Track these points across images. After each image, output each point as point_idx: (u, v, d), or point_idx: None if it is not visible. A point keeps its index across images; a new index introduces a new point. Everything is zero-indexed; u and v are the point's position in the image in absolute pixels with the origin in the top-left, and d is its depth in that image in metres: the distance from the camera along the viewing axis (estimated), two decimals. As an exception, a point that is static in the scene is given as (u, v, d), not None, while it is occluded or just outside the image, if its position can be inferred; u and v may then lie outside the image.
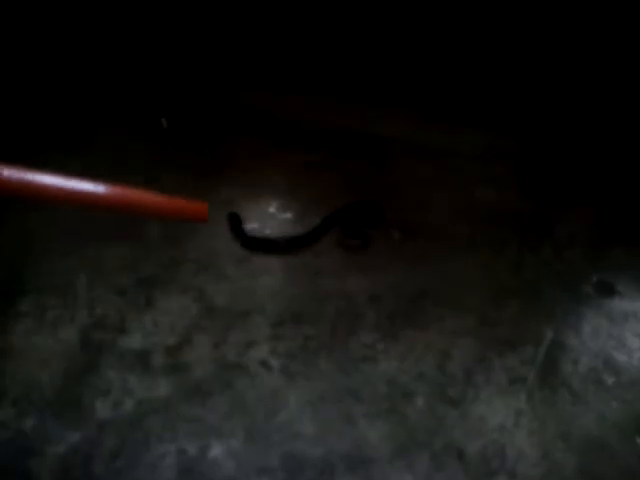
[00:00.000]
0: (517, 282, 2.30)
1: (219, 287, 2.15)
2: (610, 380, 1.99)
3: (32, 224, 2.26)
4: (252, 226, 2.40)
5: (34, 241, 2.23)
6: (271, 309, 2.10)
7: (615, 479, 1.76)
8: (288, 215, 2.48)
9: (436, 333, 2.08)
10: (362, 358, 1.98)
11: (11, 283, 2.08)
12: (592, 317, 2.20)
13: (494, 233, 2.48)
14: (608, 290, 2.30)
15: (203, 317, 2.04)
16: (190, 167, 2.62)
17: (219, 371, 1.89)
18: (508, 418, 1.85)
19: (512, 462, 1.75)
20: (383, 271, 2.28)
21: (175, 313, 2.05)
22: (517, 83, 3.14)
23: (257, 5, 3.19)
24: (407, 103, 3.13)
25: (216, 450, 1.71)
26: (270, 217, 2.47)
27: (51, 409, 1.76)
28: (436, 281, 2.26)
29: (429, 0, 3.09)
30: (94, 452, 1.69)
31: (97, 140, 2.72)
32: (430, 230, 2.47)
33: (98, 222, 2.23)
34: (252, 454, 1.71)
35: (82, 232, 2.24)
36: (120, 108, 2.94)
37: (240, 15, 3.22)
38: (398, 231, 2.46)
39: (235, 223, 2.34)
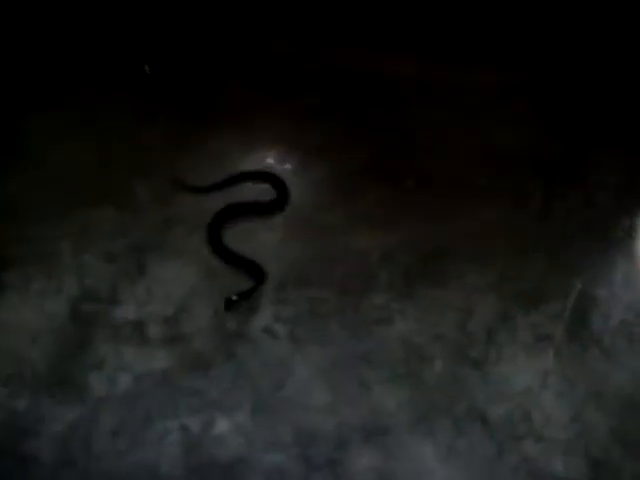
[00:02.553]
0: (542, 232, 2.30)
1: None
2: (644, 334, 2.02)
3: (12, 188, 2.29)
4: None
5: (14, 206, 2.25)
6: (274, 271, 2.11)
7: (652, 441, 1.79)
8: (288, 166, 2.49)
9: (455, 291, 2.10)
10: (375, 320, 2.01)
11: (-10, 253, 2.12)
12: (624, 265, 2.21)
13: (516, 179, 2.47)
14: (642, 235, 2.31)
15: (200, 283, 2.07)
16: (177, 118, 2.61)
17: (220, 340, 1.93)
18: (534, 379, 1.89)
19: (539, 426, 1.79)
20: (396, 225, 2.29)
21: (170, 280, 2.08)
22: (532, 8, 3.08)
23: None
24: (416, 40, 3.08)
25: (221, 425, 1.76)
26: (268, 168, 2.47)
27: (44, 387, 1.80)
28: (454, 235, 2.27)
29: None
30: (92, 431, 1.74)
31: (67, 91, 2.70)
32: (446, 178, 2.47)
33: (82, 184, 2.25)
34: (260, 429, 1.76)
35: (65, 196, 2.26)
36: (95, 52, 2.90)
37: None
38: (411, 180, 2.46)
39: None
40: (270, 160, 2.50)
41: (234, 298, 2.01)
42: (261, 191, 2.39)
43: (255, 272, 2.10)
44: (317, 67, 2.85)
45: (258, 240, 2.22)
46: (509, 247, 2.25)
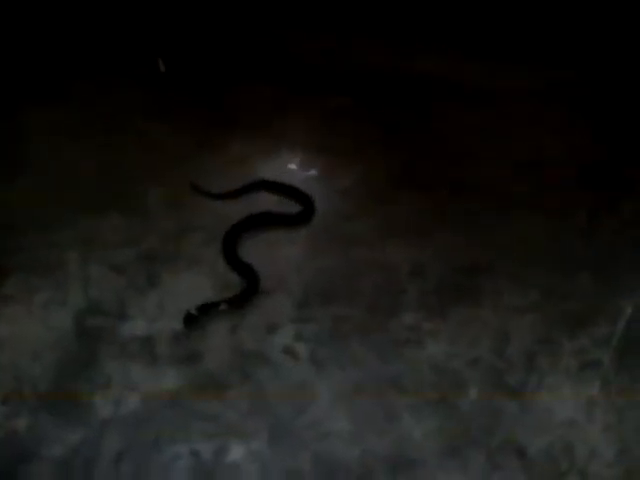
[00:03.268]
0: (589, 248, 2.29)
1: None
2: (701, 363, 1.99)
3: (12, 195, 2.33)
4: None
5: (15, 214, 2.29)
6: (295, 286, 2.14)
7: None
8: (313, 172, 2.52)
9: (492, 310, 2.10)
10: (405, 341, 2.01)
11: (-7, 261, 2.15)
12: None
13: (560, 189, 2.47)
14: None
15: (215, 297, 2.08)
16: (193, 119, 2.66)
17: (237, 360, 1.94)
18: (578, 410, 1.86)
19: (583, 461, 1.76)
20: (428, 237, 2.30)
21: (183, 293, 2.09)
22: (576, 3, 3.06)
23: None
24: (451, 38, 3.09)
25: (236, 452, 1.75)
26: (291, 175, 2.50)
27: (46, 407, 1.81)
28: (491, 248, 2.27)
29: None
30: (96, 455, 1.73)
31: (78, 88, 2.74)
32: (483, 187, 2.48)
33: (91, 189, 2.28)
34: (278, 457, 1.75)
35: (73, 201, 2.30)
36: (108, 47, 2.94)
37: None
38: (446, 188, 2.47)
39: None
40: (293, 165, 2.53)
41: (194, 312, 2.01)
42: (283, 199, 2.42)
43: (248, 284, 2.12)
44: (347, 66, 2.87)
45: (279, 253, 2.25)
46: (552, 263, 2.24)
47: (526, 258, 2.25)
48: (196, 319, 2.01)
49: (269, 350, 1.97)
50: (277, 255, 2.24)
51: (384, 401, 1.87)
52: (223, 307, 2.05)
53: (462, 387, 1.91)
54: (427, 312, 2.08)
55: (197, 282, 2.14)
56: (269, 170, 2.49)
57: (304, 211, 2.38)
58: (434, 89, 2.85)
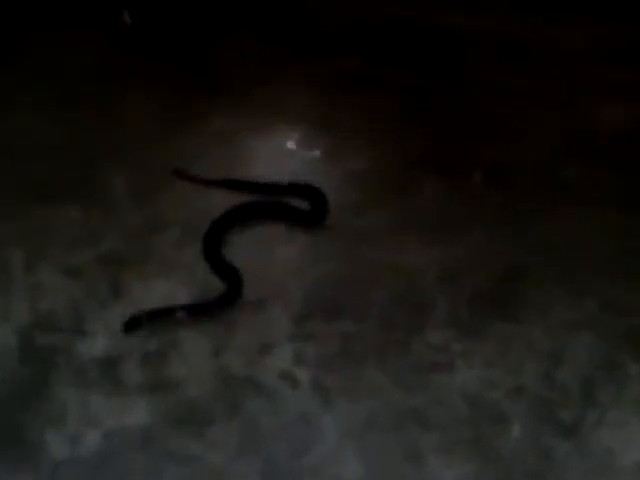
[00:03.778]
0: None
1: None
2: None
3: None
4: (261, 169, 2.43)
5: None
6: (294, 295, 2.13)
7: None
8: (316, 153, 2.52)
9: (540, 326, 2.08)
10: (430, 365, 1.99)
11: None
12: None
13: (625, 175, 2.46)
14: None
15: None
16: (166, 84, 2.66)
17: (222, 388, 1.91)
18: (648, 451, 1.87)
19: (653, 516, 1.77)
20: (458, 235, 2.29)
21: (154, 304, 2.07)
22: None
23: None
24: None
25: (222, 503, 1.75)
26: (289, 156, 2.50)
27: (-16, 446, 1.82)
28: (537, 249, 2.26)
29: None
30: (47, 506, 1.74)
31: (23, 47, 2.73)
32: (527, 172, 2.47)
33: (40, 174, 2.27)
34: (273, 509, 1.75)
35: (16, 188, 2.29)
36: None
37: None
38: (480, 173, 2.47)
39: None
40: (292, 144, 2.52)
41: (140, 316, 2.02)
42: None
43: (229, 287, 2.12)
44: (358, 18, 2.84)
45: (274, 254, 2.24)
46: (614, 266, 2.24)
47: (581, 261, 2.24)
48: (140, 326, 2.01)
49: (262, 375, 1.95)
50: (272, 257, 2.23)
51: (405, 440, 1.85)
52: (181, 315, 2.04)
53: (502, 423, 1.88)
54: (458, 329, 2.07)
55: (171, 290, 2.12)
56: (261, 149, 2.49)
57: (315, 209, 2.38)
58: (466, 47, 2.83)
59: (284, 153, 2.52)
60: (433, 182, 2.42)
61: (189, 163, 2.42)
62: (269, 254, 2.24)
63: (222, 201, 2.34)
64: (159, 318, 2.04)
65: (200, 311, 2.07)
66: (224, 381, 1.94)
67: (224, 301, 2.10)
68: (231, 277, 2.14)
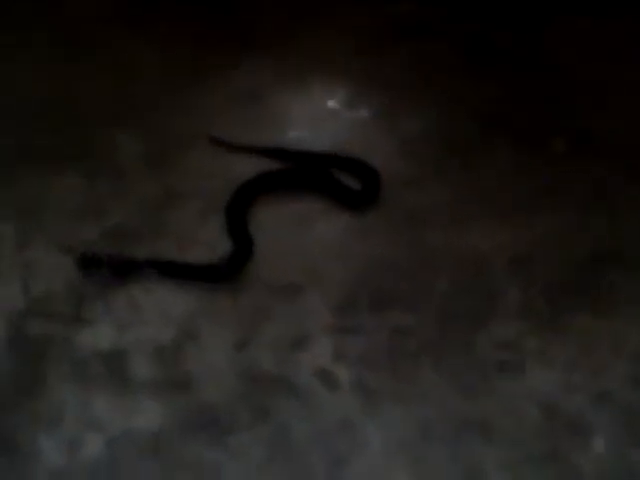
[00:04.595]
0: None
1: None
2: None
3: None
4: (297, 133, 2.45)
5: None
6: (335, 281, 2.14)
7: None
8: (362, 113, 2.52)
9: (628, 320, 2.08)
10: (497, 365, 1.99)
11: None
12: None
13: None
14: None
15: (216, 295, 2.10)
16: (183, 28, 2.70)
17: (247, 388, 1.93)
18: None
19: None
20: (533, 215, 2.30)
21: (168, 289, 2.10)
22: None
23: None
24: None
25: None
26: (329, 116, 2.52)
27: (-30, 450, 1.82)
28: (627, 230, 2.26)
29: None
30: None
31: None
32: (615, 140, 2.47)
33: (37, 134, 2.32)
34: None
35: (14, 153, 2.34)
36: None
37: None
38: (561, 139, 2.47)
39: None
40: (334, 103, 2.54)
41: (99, 256, 2.06)
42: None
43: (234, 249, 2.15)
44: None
45: (312, 233, 2.25)
46: None
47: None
48: (96, 263, 2.06)
49: (295, 374, 1.96)
50: (309, 236, 2.24)
51: (464, 453, 1.85)
52: (150, 272, 2.08)
53: (582, 435, 1.88)
54: (531, 323, 2.07)
55: None
56: (297, 109, 2.51)
57: (365, 189, 2.39)
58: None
59: (324, 112, 2.53)
60: (504, 150, 2.42)
61: (211, 124, 2.44)
62: (306, 233, 2.25)
63: (251, 169, 2.35)
64: (121, 268, 2.08)
65: (176, 273, 2.10)
66: (250, 380, 1.95)
67: (217, 269, 2.12)
68: (239, 242, 2.16)
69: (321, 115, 2.53)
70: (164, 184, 2.33)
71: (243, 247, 2.14)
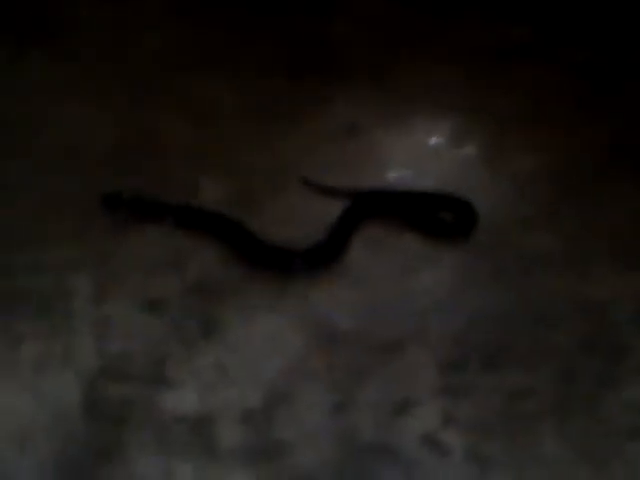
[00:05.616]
0: None
1: (339, 293, 2.15)
2: None
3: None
4: (398, 173, 2.40)
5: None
6: (441, 336, 2.08)
7: None
8: (469, 149, 2.49)
9: None
10: (628, 431, 1.90)
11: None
12: None
13: None
14: None
15: (312, 351, 2.05)
16: (266, 62, 2.72)
17: (345, 456, 1.85)
18: None
19: None
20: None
21: (259, 345, 2.06)
22: None
23: None
24: None
25: None
26: (433, 153, 2.49)
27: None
28: None
29: None
30: None
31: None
32: None
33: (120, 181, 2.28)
34: None
35: (87, 201, 2.30)
36: None
37: None
38: None
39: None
40: (437, 139, 2.50)
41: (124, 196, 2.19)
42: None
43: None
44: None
45: (414, 279, 2.19)
46: None
47: None
48: (118, 202, 2.20)
49: (400, 441, 1.88)
50: (410, 283, 2.19)
51: None
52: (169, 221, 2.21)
53: None
54: (667, 382, 1.97)
55: (279, 328, 2.09)
56: (397, 146, 2.47)
57: (461, 222, 2.36)
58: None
59: (428, 151, 2.49)
60: (629, 188, 2.37)
61: (302, 164, 2.42)
62: (406, 279, 2.20)
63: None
64: (140, 209, 2.20)
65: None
66: (349, 447, 1.88)
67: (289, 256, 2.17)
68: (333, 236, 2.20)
69: (424, 153, 2.50)
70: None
71: (333, 241, 2.17)
